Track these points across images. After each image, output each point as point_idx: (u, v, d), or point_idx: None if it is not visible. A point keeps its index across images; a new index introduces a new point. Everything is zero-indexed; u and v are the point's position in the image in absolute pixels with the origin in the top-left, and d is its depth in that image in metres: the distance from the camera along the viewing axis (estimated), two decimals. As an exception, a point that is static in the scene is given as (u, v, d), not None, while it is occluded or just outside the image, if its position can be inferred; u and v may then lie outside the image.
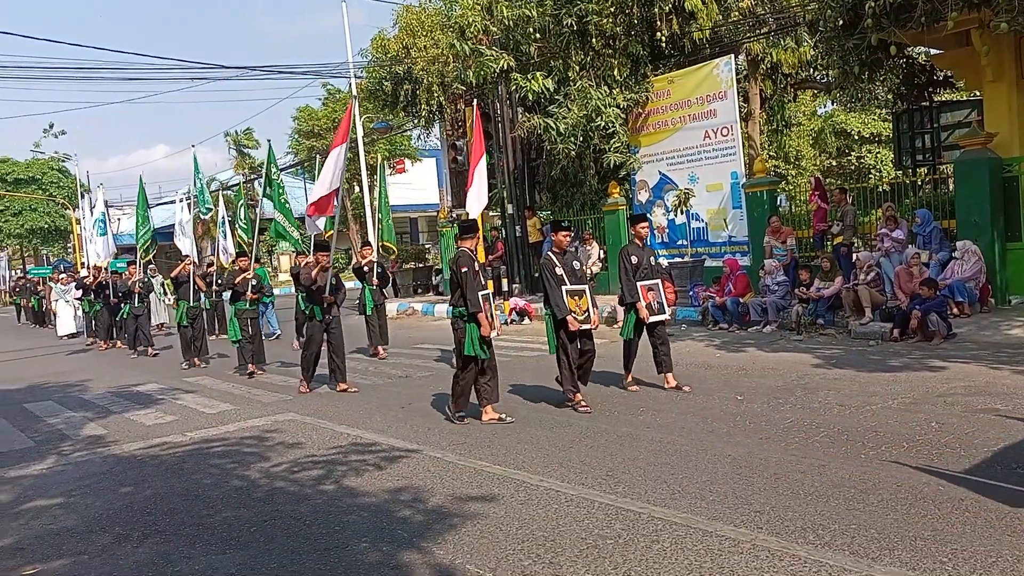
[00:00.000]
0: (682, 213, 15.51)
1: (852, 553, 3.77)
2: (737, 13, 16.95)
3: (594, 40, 15.73)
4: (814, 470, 5.08)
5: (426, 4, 20.47)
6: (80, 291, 19.49)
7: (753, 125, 18.55)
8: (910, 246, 11.35)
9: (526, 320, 15.41)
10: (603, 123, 15.48)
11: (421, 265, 25.73)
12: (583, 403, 7.32)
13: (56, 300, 21.84)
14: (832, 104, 29.24)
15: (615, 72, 15.64)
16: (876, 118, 29.18)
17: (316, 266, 10.50)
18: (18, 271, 50.20)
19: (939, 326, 9.36)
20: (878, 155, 29.49)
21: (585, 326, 7.33)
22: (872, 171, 29.26)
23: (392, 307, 19.33)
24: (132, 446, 7.28)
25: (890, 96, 19.72)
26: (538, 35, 16.24)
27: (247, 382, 10.63)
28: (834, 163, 31.50)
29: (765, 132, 22.12)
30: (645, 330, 8.03)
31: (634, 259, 7.99)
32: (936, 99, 17.07)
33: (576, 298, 7.35)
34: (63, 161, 46.27)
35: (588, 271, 16.92)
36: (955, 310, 10.16)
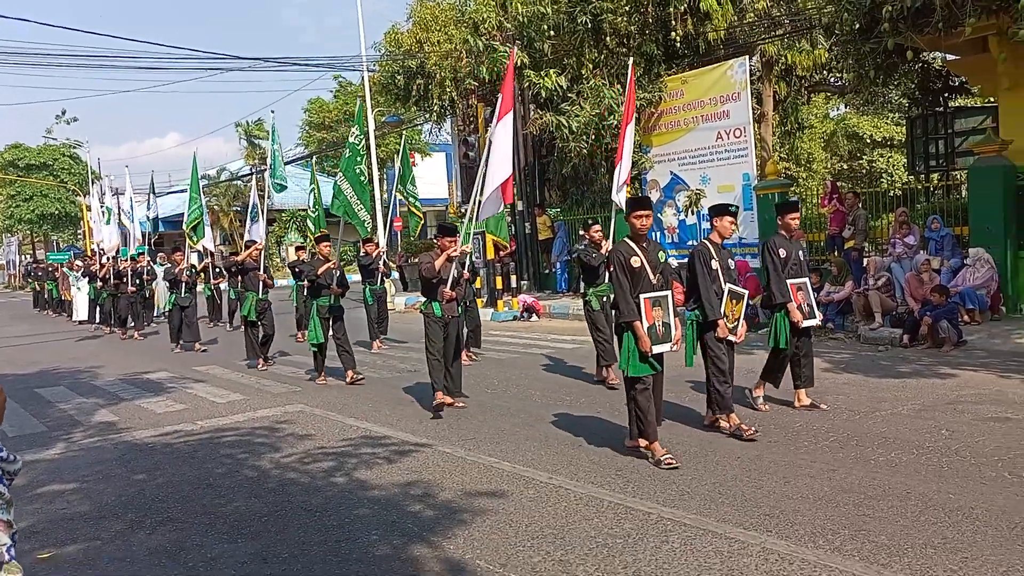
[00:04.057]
0: (693, 214, 15.49)
1: (862, 559, 3.79)
2: (752, 14, 16.92)
3: (608, 39, 15.73)
4: (823, 475, 5.09)
5: (440, -1, 20.48)
6: (87, 278, 19.54)
7: (766, 127, 18.53)
8: (921, 252, 11.33)
9: (534, 317, 15.43)
10: (615, 121, 15.45)
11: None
12: (744, 425, 6.11)
13: (73, 287, 21.97)
14: (845, 107, 29.18)
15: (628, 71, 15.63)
16: (889, 122, 29.11)
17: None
18: (27, 256, 50.51)
19: (949, 333, 9.35)
20: (890, 159, 29.44)
21: (732, 337, 6.27)
22: (884, 175, 29.19)
23: (401, 300, 19.40)
24: (144, 434, 7.33)
25: (904, 100, 19.68)
26: (552, 32, 16.23)
27: (256, 372, 10.66)
28: (845, 166, 31.44)
29: (777, 134, 22.09)
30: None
31: (782, 252, 6.84)
32: (951, 105, 17.00)
33: (733, 301, 6.27)
34: (74, 148, 46.50)
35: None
36: (966, 317, 10.14)
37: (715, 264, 6.23)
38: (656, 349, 5.50)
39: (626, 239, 5.75)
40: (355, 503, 5.04)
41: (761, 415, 6.75)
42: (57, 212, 45.73)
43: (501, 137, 7.91)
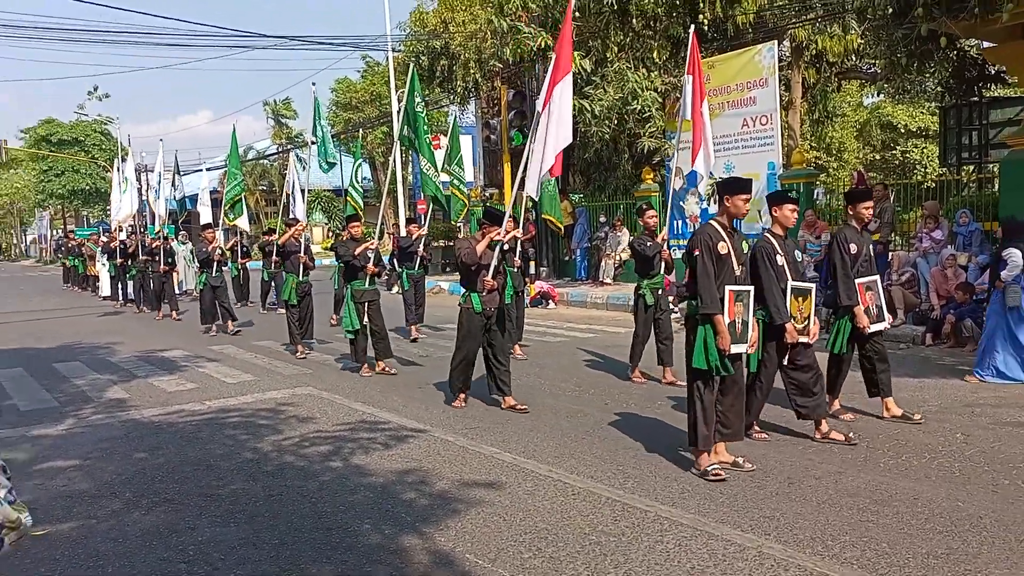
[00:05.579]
0: (716, 202, 15.21)
1: (860, 567, 3.66)
2: (783, -2, 16.51)
3: (635, 21, 15.47)
4: (829, 477, 4.95)
5: (466, -21, 20.26)
6: (106, 255, 19.75)
7: (794, 114, 18.15)
8: (949, 247, 11.02)
9: (551, 304, 15.32)
10: (639, 107, 15.25)
11: (451, 243, 25.74)
12: (758, 427, 5.93)
13: (98, 262, 22.23)
14: (879, 95, 28.51)
15: (654, 55, 15.38)
16: (925, 111, 28.37)
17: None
18: (58, 231, 51.29)
19: (973, 332, 9.09)
20: (924, 150, 28.70)
21: (803, 338, 5.75)
22: (917, 167, 28.50)
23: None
24: (151, 412, 7.37)
25: (939, 89, 19.13)
26: (577, 13, 15.96)
27: (270, 353, 10.69)
28: (878, 157, 30.75)
29: (806, 122, 21.64)
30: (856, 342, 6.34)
31: (853, 247, 6.16)
32: (986, 95, 16.48)
33: (799, 299, 5.73)
34: (105, 124, 47.03)
35: (617, 258, 16.80)
36: (992, 316, 9.83)
37: (780, 260, 5.68)
38: (734, 349, 5.01)
39: (713, 222, 5.23)
40: (350, 489, 5.00)
41: (772, 412, 6.56)
42: (88, 188, 46.39)
43: (562, 101, 7.25)
